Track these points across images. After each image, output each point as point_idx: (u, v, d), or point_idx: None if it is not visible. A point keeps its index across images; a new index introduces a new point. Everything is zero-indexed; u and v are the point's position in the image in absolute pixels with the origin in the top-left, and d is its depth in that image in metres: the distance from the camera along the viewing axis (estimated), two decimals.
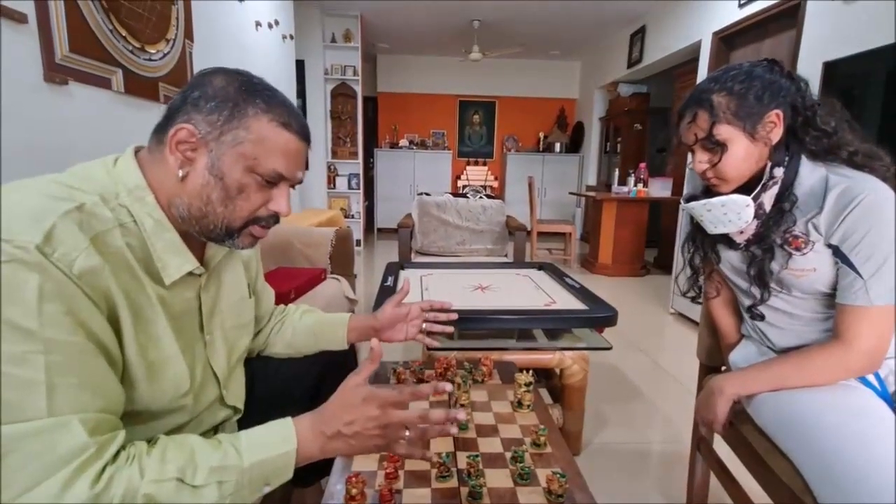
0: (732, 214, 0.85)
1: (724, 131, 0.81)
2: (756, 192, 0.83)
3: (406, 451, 0.65)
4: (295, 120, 0.65)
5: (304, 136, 0.67)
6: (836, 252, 0.78)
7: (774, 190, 0.83)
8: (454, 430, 0.65)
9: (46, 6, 1.27)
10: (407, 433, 0.62)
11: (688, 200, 0.93)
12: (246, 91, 0.62)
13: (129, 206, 0.59)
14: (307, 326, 0.96)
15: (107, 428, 0.50)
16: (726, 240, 0.92)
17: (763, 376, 0.87)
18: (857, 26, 2.06)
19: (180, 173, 0.60)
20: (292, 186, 0.69)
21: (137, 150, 0.64)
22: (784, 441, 0.81)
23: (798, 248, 0.81)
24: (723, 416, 0.89)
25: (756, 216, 0.84)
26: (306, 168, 0.85)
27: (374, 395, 0.61)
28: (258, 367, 0.95)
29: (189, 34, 2.07)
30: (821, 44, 2.25)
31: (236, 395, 0.79)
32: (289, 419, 0.60)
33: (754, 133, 0.81)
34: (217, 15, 2.37)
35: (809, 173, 0.82)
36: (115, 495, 0.47)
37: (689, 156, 0.91)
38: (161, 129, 0.62)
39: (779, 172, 0.82)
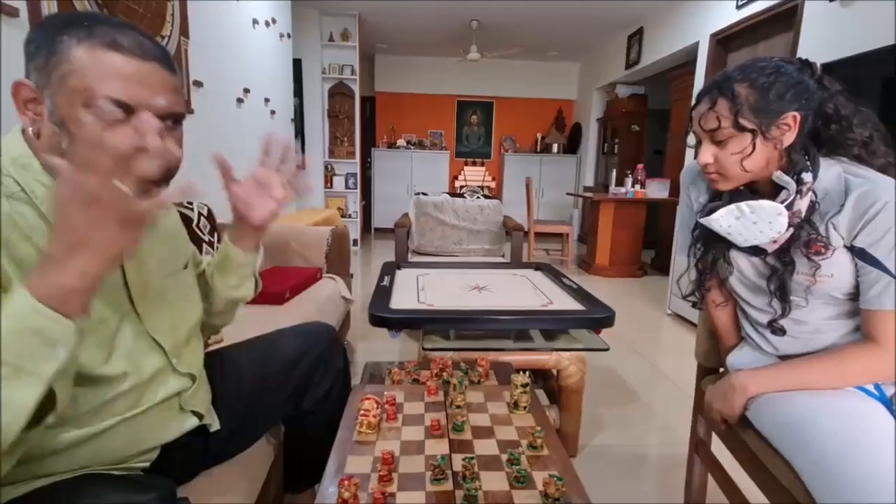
0: (763, 224, 0.80)
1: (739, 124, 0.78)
2: (790, 199, 0.79)
3: (150, 203, 0.52)
4: (127, 38, 0.57)
5: (146, 55, 0.58)
6: (864, 255, 0.75)
7: (809, 196, 0.79)
8: (154, 141, 0.54)
9: (38, 1, 1.25)
10: (119, 187, 0.50)
11: (709, 213, 0.87)
12: (65, 23, 0.56)
13: (14, 176, 0.57)
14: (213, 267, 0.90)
15: None
16: (750, 248, 0.88)
17: (789, 377, 0.83)
18: (854, 29, 2.06)
19: (31, 130, 0.58)
20: (174, 120, 0.63)
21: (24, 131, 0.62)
22: (781, 444, 0.81)
23: (818, 253, 0.79)
24: (739, 412, 0.88)
25: (790, 224, 0.79)
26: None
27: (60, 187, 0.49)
28: (241, 365, 0.95)
29: (185, 31, 2.05)
30: (818, 46, 2.25)
31: (190, 363, 0.77)
32: None
33: (767, 132, 0.78)
34: (213, 12, 2.35)
35: (825, 171, 0.80)
36: None
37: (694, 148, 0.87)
38: None
39: (808, 178, 0.78)
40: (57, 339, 0.48)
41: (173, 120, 0.64)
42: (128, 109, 0.57)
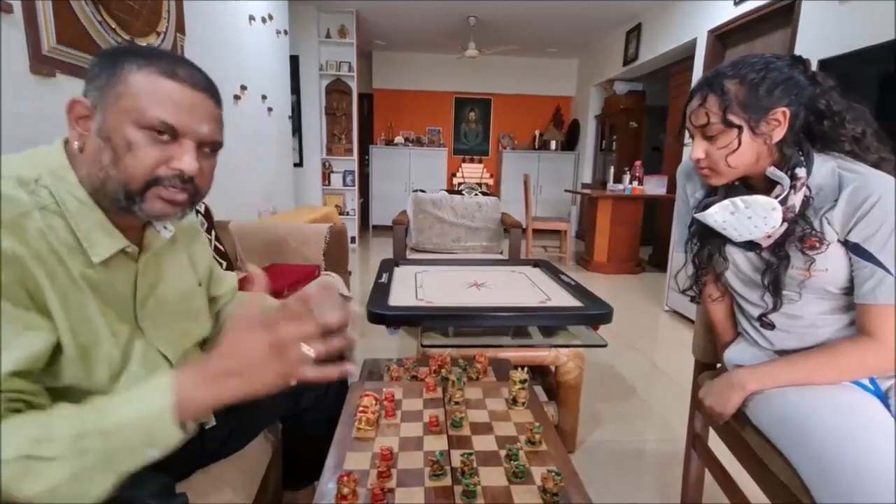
0: (758, 219, 0.80)
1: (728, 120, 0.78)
2: (784, 194, 0.79)
3: (315, 372, 0.58)
4: (183, 69, 0.63)
5: (197, 85, 0.63)
6: (858, 250, 0.75)
7: (803, 192, 0.79)
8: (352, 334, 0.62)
9: (34, 1, 1.24)
10: (306, 350, 0.57)
11: (704, 208, 0.87)
12: (127, 51, 0.62)
13: (50, 187, 0.59)
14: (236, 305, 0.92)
15: None
16: (745, 243, 0.88)
17: (787, 373, 0.83)
18: (852, 25, 2.06)
19: (76, 145, 0.61)
20: (212, 149, 0.66)
21: (67, 142, 0.64)
22: (780, 441, 0.81)
23: (813, 248, 0.79)
24: (734, 410, 0.88)
25: (785, 219, 0.80)
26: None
27: (258, 318, 0.57)
28: None
29: (181, 28, 2.04)
30: (816, 42, 2.25)
31: None
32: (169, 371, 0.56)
33: (755, 127, 0.78)
34: (210, 8, 2.33)
35: (819, 167, 0.80)
36: None
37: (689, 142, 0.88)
38: None
39: (802, 173, 0.79)
40: (159, 444, 0.51)
41: (211, 149, 0.67)
42: (173, 132, 0.61)
